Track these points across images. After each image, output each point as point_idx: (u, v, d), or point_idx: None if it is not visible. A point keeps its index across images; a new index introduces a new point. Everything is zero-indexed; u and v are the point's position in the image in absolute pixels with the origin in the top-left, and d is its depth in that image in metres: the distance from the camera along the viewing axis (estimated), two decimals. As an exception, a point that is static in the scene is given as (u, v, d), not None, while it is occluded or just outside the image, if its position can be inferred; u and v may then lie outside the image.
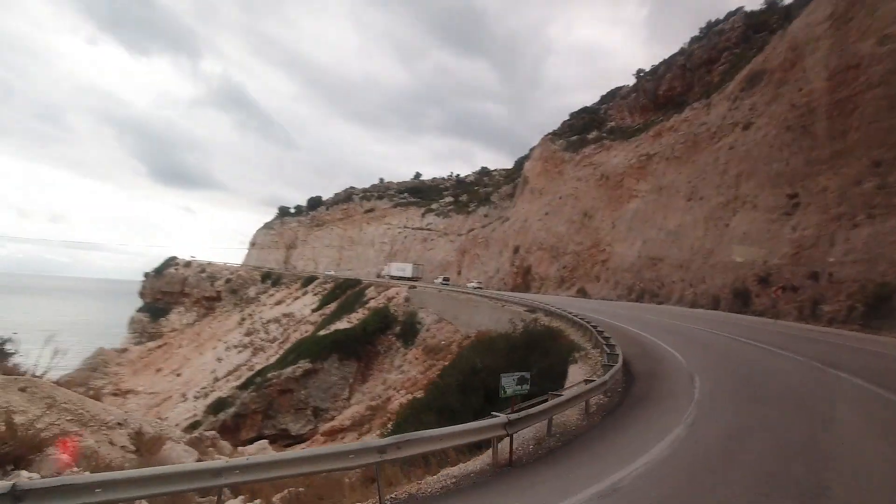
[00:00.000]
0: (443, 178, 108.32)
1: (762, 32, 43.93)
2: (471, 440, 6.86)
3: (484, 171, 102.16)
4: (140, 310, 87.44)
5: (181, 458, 13.81)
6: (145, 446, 13.26)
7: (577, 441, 7.25)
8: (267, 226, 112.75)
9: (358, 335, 44.20)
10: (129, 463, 11.60)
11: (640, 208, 42.96)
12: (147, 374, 71.48)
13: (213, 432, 25.74)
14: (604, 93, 65.20)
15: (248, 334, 69.68)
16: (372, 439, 7.20)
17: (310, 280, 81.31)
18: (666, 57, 55.67)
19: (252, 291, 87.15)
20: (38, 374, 15.83)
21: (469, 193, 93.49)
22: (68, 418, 10.50)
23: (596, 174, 50.91)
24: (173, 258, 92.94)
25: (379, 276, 74.61)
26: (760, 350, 14.61)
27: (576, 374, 11.51)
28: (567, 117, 66.09)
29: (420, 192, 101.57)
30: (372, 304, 53.85)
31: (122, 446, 12.84)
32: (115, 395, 63.87)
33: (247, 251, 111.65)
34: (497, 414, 6.76)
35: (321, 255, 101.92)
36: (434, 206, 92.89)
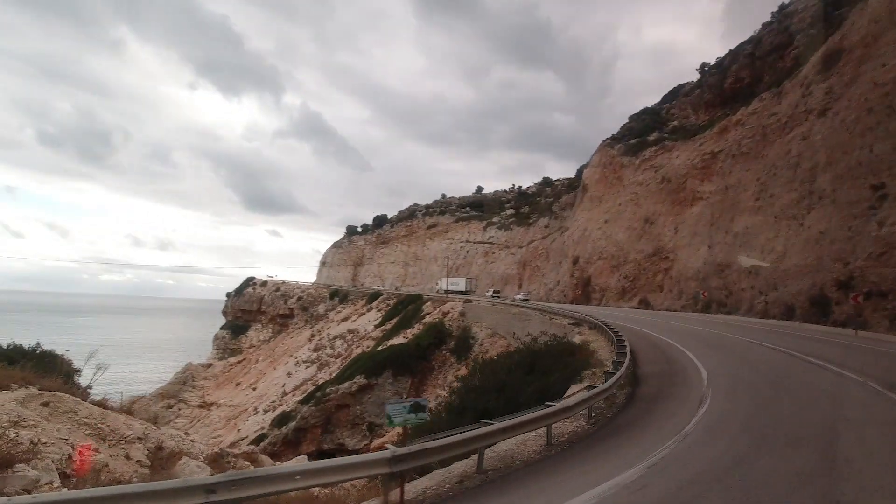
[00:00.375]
0: (504, 191, 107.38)
1: (842, 9, 39.41)
2: (343, 479, 5.78)
3: (546, 182, 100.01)
4: (223, 327, 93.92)
5: (193, 473, 14.19)
6: (161, 461, 13.72)
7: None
8: (336, 245, 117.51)
9: (411, 351, 44.27)
10: (138, 477, 11.98)
11: (705, 211, 39.65)
12: (228, 387, 76.09)
13: (251, 447, 26.59)
14: (665, 92, 61.63)
15: (315, 350, 72.27)
16: (201, 478, 6.02)
17: (374, 296, 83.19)
18: (733, 47, 51.60)
19: (321, 308, 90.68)
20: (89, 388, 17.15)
21: (531, 205, 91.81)
22: (87, 432, 11.03)
23: (657, 177, 47.87)
24: (251, 278, 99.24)
25: (436, 291, 75.14)
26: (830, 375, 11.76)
27: (574, 392, 10.46)
28: (627, 120, 63.12)
29: (481, 206, 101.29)
30: (428, 319, 53.99)
31: (138, 461, 13.33)
32: (200, 406, 68.78)
33: (318, 270, 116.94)
34: (389, 446, 5.95)
35: (387, 271, 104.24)
36: (495, 219, 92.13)
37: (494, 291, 62.67)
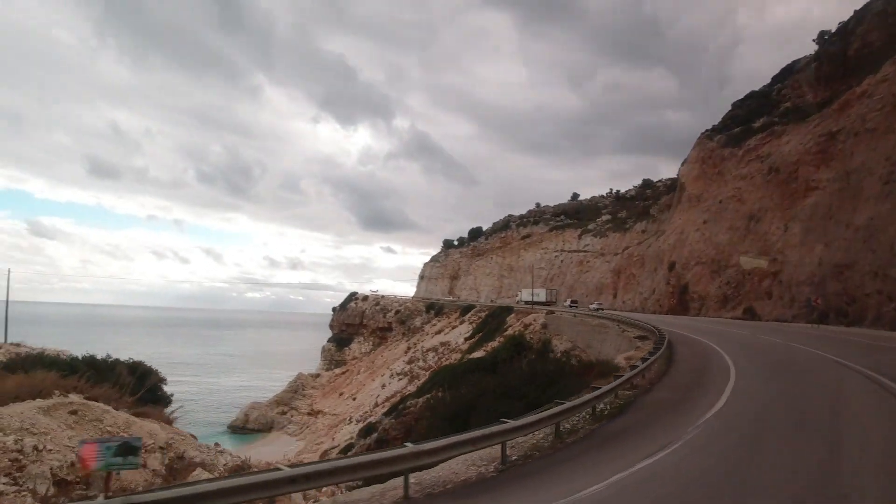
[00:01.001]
0: (601, 196, 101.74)
1: None
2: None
3: (646, 184, 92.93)
4: (330, 340, 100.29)
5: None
6: (176, 471, 14.46)
7: None
8: (434, 259, 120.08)
9: (487, 364, 43.22)
10: (144, 486, 12.66)
11: (821, 202, 33.50)
12: (332, 397, 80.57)
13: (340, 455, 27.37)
14: (776, 72, 53.73)
15: (409, 362, 73.84)
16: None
17: (468, 309, 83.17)
18: (857, 8, 43.54)
19: (418, 321, 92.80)
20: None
21: (628, 209, 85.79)
22: None
23: (763, 168, 41.71)
24: (354, 294, 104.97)
25: (516, 302, 73.70)
26: None
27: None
28: (729, 108, 56.13)
29: (577, 214, 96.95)
30: (510, 331, 52.59)
31: (153, 469, 14.14)
32: (309, 414, 73.62)
33: (417, 284, 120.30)
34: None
35: (482, 284, 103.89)
36: (591, 226, 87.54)
37: (572, 302, 60.52)
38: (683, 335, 23.88)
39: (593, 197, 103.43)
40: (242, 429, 60.64)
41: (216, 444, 16.59)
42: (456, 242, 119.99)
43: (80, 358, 17.79)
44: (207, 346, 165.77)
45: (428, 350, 74.68)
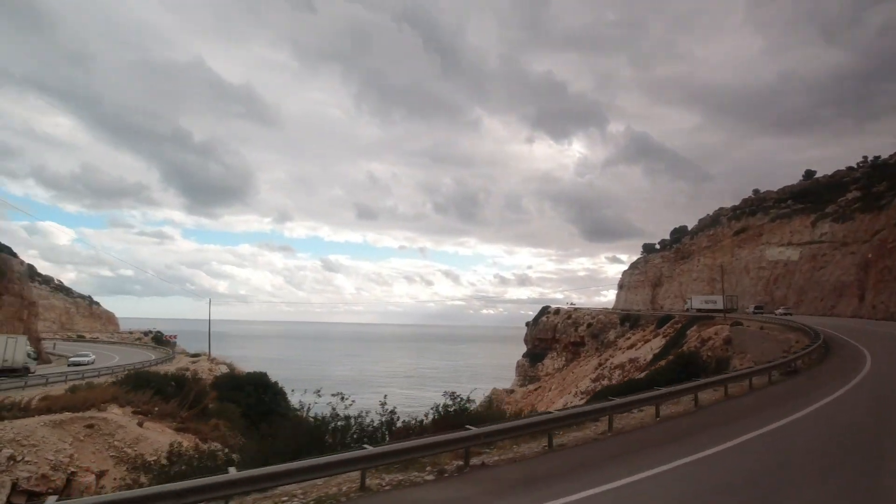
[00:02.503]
0: (847, 170, 78.29)
1: None
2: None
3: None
4: (524, 355, 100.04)
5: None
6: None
7: None
8: (633, 266, 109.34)
9: (643, 387, 37.31)
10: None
11: None
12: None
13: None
14: None
15: (595, 380, 68.91)
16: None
17: (665, 320, 73.84)
18: None
19: (612, 335, 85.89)
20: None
21: (889, 179, 63.95)
22: (111, 454, 14.23)
23: None
24: (546, 307, 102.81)
25: (685, 309, 62.78)
26: None
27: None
28: None
29: (809, 196, 76.77)
30: (686, 347, 44.72)
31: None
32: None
33: (616, 294, 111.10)
34: None
35: (688, 290, 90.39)
36: (829, 209, 68.17)
37: (756, 308, 52.42)
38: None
39: (836, 172, 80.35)
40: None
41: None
42: (658, 246, 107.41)
43: (169, 376, 21.69)
44: (422, 359, 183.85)
45: (616, 367, 68.47)
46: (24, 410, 14.26)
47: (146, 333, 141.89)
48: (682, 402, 14.47)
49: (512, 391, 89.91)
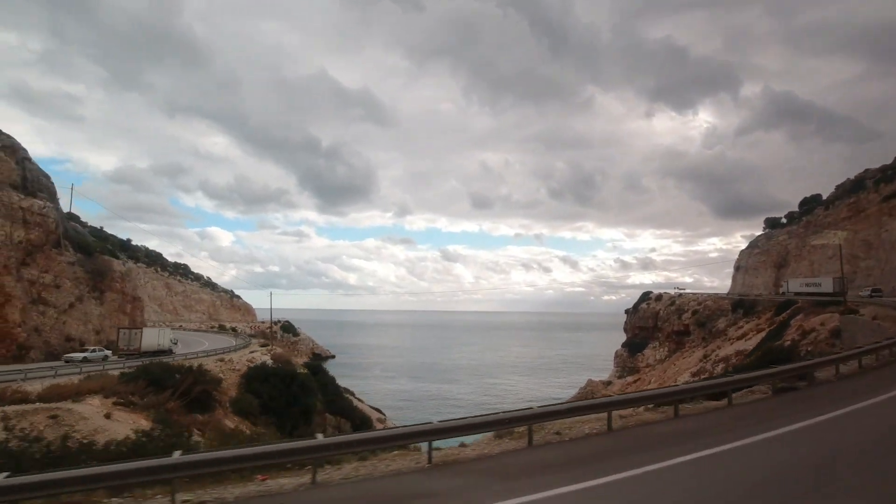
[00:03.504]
0: None
1: None
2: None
3: None
4: (623, 345, 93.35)
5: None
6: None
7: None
8: (752, 245, 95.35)
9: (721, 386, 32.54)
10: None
11: None
12: (618, 407, 75.23)
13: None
14: None
15: (695, 374, 62.34)
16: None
17: (785, 306, 64.19)
18: None
19: (721, 323, 76.51)
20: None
21: None
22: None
23: None
24: (648, 293, 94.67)
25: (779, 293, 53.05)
26: None
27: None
28: None
29: None
30: (787, 340, 38.21)
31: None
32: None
33: (733, 276, 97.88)
34: None
35: (822, 269, 76.76)
36: None
37: (873, 291, 46.39)
38: None
39: None
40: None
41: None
42: (784, 220, 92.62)
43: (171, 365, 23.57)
44: (532, 348, 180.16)
45: (720, 360, 61.07)
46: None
47: (275, 323, 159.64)
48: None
49: (609, 383, 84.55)
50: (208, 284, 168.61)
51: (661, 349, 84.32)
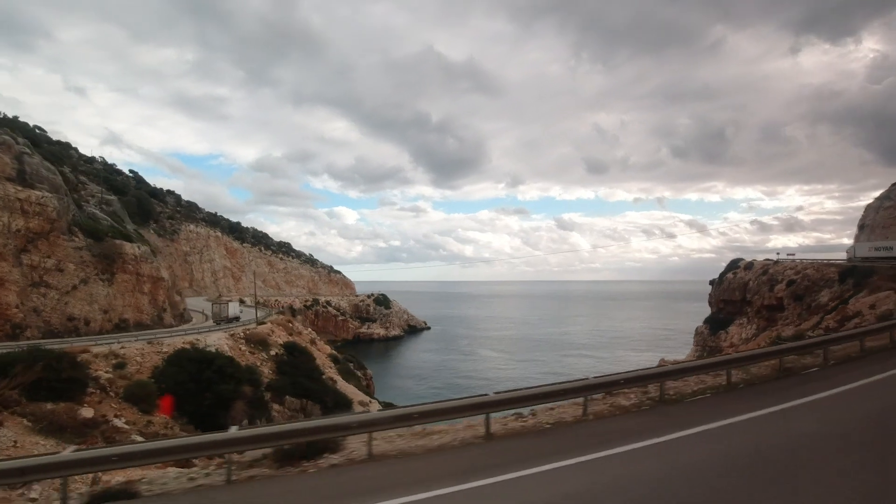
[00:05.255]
0: None
1: None
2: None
3: None
4: (705, 321, 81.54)
5: None
6: None
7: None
8: (882, 197, 75.27)
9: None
10: None
11: None
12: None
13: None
14: None
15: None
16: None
17: (904, 274, 50.84)
18: None
19: (824, 296, 62.70)
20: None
21: None
22: None
23: None
24: (737, 261, 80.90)
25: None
26: None
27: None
28: None
29: None
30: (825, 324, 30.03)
31: None
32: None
33: (855, 237, 78.56)
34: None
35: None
36: None
37: None
38: None
39: None
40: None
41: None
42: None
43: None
44: (640, 321, 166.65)
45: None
46: None
47: (369, 296, 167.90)
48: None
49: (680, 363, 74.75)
50: (309, 261, 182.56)
51: (749, 326, 71.78)
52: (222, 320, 49.81)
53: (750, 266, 76.33)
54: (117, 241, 45.40)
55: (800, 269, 67.89)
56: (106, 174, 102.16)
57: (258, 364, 36.22)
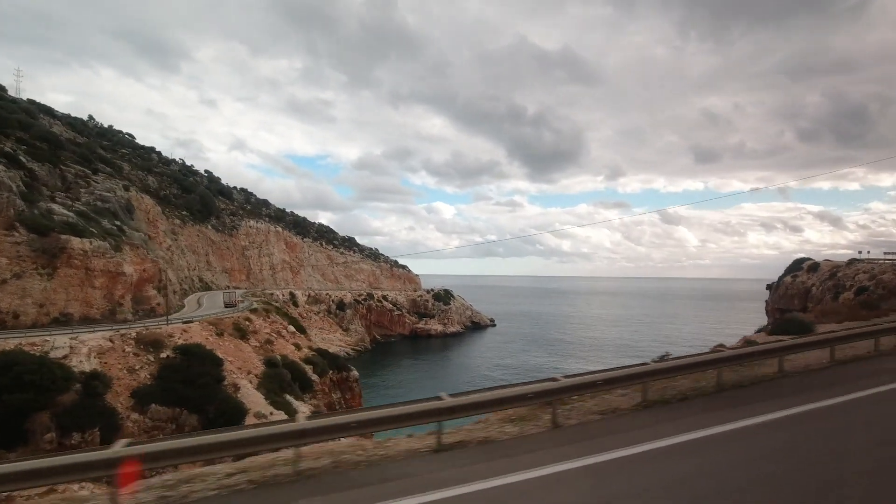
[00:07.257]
0: None
1: None
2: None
3: None
4: (759, 330, 66.91)
5: None
6: None
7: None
8: None
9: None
10: None
11: None
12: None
13: None
14: None
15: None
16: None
17: None
18: None
19: (901, 307, 47.77)
20: None
21: None
22: None
23: None
24: (802, 260, 65.28)
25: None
26: None
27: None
28: None
29: None
30: None
31: None
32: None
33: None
34: None
35: None
36: None
37: None
38: None
39: None
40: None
41: None
42: None
43: None
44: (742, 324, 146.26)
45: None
46: None
47: (428, 291, 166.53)
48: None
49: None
50: (371, 255, 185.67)
51: (806, 342, 57.32)
52: (229, 307, 55.45)
53: (815, 268, 61.08)
54: (63, 237, 46.64)
55: (876, 272, 52.36)
56: (181, 174, 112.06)
57: (137, 367, 34.69)
